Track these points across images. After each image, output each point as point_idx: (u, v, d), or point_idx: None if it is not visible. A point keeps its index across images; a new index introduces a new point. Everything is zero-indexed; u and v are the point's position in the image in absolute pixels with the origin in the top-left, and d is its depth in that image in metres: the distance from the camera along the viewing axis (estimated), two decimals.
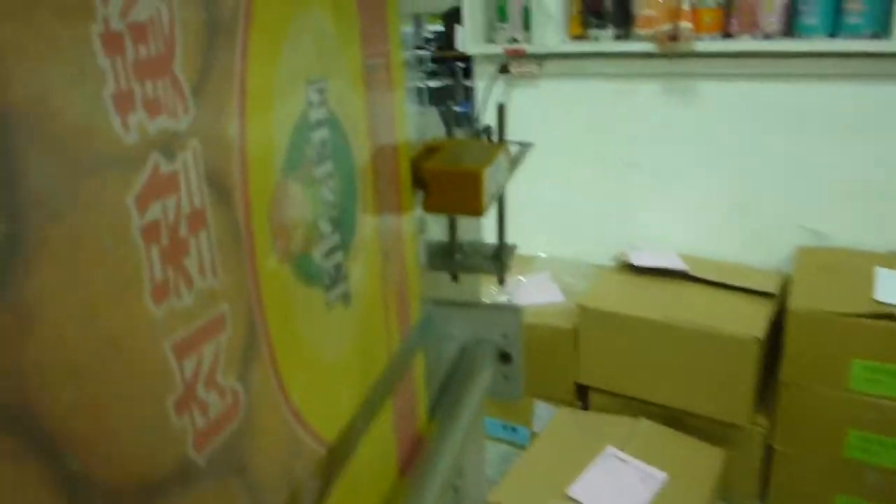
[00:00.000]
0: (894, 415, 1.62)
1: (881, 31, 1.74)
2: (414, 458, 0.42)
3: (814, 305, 1.64)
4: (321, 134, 0.30)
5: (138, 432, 0.20)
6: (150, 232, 0.20)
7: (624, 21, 2.13)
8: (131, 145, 0.19)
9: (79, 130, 0.17)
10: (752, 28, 1.92)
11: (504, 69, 2.26)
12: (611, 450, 1.71)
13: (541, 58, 2.21)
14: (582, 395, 2.02)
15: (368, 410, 0.36)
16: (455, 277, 0.57)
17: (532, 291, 2.17)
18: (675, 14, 1.95)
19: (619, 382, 1.93)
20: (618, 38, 2.13)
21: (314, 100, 0.29)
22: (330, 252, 0.31)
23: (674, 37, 1.95)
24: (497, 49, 2.26)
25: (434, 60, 6.07)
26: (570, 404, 2.02)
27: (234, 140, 0.24)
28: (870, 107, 1.84)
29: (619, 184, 2.22)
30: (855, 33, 1.77)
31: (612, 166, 2.21)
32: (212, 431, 0.23)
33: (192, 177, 0.22)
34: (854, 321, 1.60)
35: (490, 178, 0.43)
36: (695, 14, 1.94)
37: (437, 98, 5.82)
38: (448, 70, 6.39)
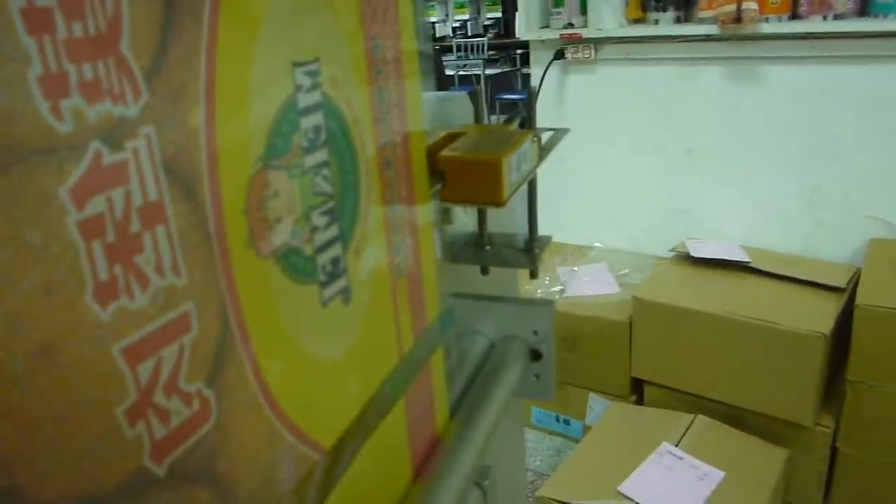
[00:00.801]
0: None
1: None
2: (430, 460, 0.41)
3: (884, 301, 1.56)
4: (313, 120, 0.28)
5: (80, 444, 0.19)
6: (92, 227, 0.18)
7: (685, 3, 2.06)
8: (65, 133, 0.17)
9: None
10: (823, 8, 1.83)
11: (560, 55, 2.21)
12: (666, 446, 1.67)
13: (597, 42, 2.16)
14: (637, 389, 1.98)
15: (375, 412, 0.34)
16: (485, 271, 0.54)
17: (587, 282, 2.13)
18: None
19: (675, 377, 1.88)
20: (678, 20, 2.07)
21: (304, 83, 0.27)
22: (325, 246, 0.30)
23: (738, 18, 1.88)
24: (553, 34, 2.21)
25: (492, 47, 6.04)
26: (625, 398, 1.98)
27: (200, 127, 0.22)
28: None
29: (678, 172, 2.15)
30: None
31: (672, 154, 2.14)
32: (174, 440, 0.22)
33: (145, 167, 0.20)
34: None
35: (512, 167, 0.41)
36: None
37: (494, 85, 5.79)
38: (506, 57, 6.35)
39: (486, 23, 6.75)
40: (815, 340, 1.61)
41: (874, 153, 1.84)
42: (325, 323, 0.30)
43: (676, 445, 1.66)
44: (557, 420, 2.14)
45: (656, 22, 2.08)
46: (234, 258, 0.24)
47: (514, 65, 6.28)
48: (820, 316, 1.67)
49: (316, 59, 0.28)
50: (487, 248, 0.54)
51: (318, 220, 0.29)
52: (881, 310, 1.55)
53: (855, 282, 1.75)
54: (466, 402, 0.45)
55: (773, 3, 1.88)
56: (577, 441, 2.01)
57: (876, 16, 1.78)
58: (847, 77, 1.84)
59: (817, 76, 1.88)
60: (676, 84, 2.08)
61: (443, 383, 0.43)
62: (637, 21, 2.13)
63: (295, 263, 0.28)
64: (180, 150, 0.21)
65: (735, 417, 1.77)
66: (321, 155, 0.29)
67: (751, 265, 1.90)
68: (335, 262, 0.30)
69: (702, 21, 1.98)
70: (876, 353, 1.58)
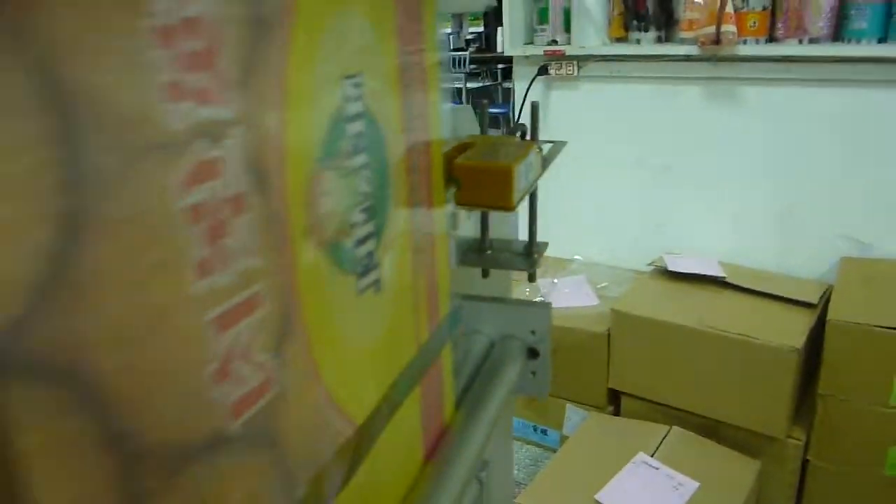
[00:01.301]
0: None
1: None
2: (439, 446, 0.44)
3: (854, 317, 1.61)
4: (356, 127, 0.31)
5: (179, 398, 0.22)
6: (194, 213, 0.21)
7: (666, 23, 2.12)
8: (178, 132, 0.20)
9: (132, 117, 0.19)
10: (799, 32, 1.89)
11: (543, 70, 2.26)
12: (642, 456, 1.70)
13: (580, 59, 2.21)
14: (614, 401, 2.02)
15: (395, 397, 0.37)
16: (485, 273, 0.58)
17: (566, 294, 2.17)
18: (718, 17, 1.93)
19: (651, 389, 1.92)
20: (659, 40, 2.12)
21: (350, 94, 0.30)
22: (362, 241, 0.33)
23: (717, 40, 1.93)
24: (537, 50, 2.26)
25: (473, 61, 6.10)
26: (602, 409, 2.02)
27: (275, 130, 0.25)
28: None
29: (657, 188, 2.20)
30: None
31: (652, 171, 2.20)
32: (245, 404, 0.25)
33: (233, 164, 0.23)
34: None
35: (521, 175, 0.44)
36: (739, 17, 1.93)
37: (475, 98, 5.85)
38: (487, 71, 6.41)
39: (468, 37, 6.81)
40: (789, 354, 1.66)
41: (846, 174, 1.91)
42: (359, 310, 0.33)
43: (652, 456, 1.69)
44: (535, 430, 2.17)
45: (638, 41, 2.14)
46: (295, 247, 0.27)
47: (495, 79, 6.35)
48: (793, 331, 1.71)
49: (360, 73, 0.31)
50: (489, 252, 0.57)
51: (358, 217, 0.32)
52: (852, 325, 1.60)
53: (826, 298, 1.81)
54: (470, 395, 0.48)
55: (751, 26, 1.94)
56: (554, 451, 2.04)
57: (849, 41, 1.84)
58: (821, 99, 1.90)
59: (793, 98, 1.94)
60: (657, 102, 2.13)
61: (450, 376, 0.46)
62: (619, 40, 2.18)
63: (339, 254, 0.31)
64: (260, 150, 0.24)
65: (710, 429, 1.81)
66: (362, 159, 0.32)
67: (727, 280, 1.95)
68: (370, 255, 0.33)
69: (682, 42, 2.04)
70: (846, 367, 1.63)
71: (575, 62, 2.21)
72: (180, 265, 0.21)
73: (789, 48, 1.90)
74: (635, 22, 2.14)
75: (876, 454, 1.65)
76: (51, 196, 0.16)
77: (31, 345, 0.16)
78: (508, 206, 0.44)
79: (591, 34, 2.18)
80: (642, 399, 1.94)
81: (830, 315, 1.64)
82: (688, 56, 2.02)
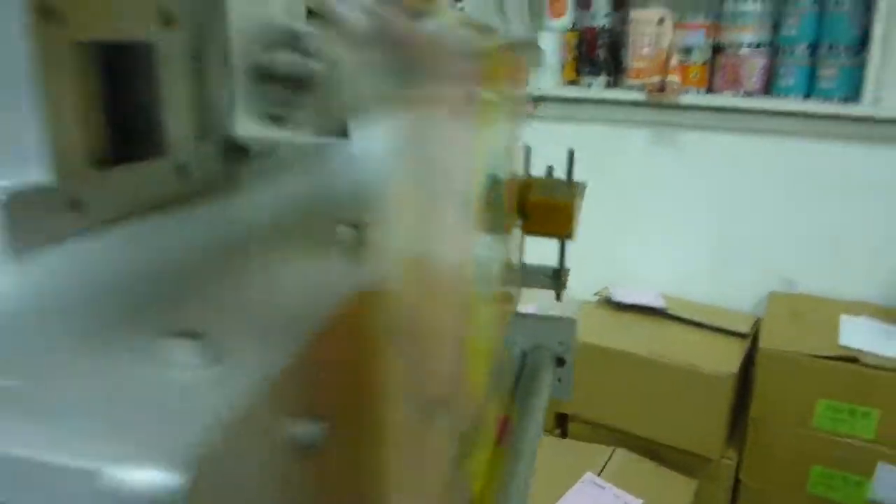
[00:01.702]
0: (856, 453, 1.71)
1: (852, 96, 1.89)
2: (503, 433, 0.51)
3: (782, 346, 1.74)
4: (492, 172, 0.39)
5: (432, 368, 0.29)
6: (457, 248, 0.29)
7: (616, 70, 2.26)
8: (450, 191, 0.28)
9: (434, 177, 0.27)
10: (735, 85, 2.06)
11: None
12: (589, 476, 1.78)
13: (535, 100, 2.32)
14: (561, 424, 2.09)
15: (492, 385, 0.45)
16: None
17: None
18: (663, 68, 2.08)
19: (597, 412, 1.99)
20: (609, 85, 2.26)
21: (492, 145, 0.39)
22: (489, 262, 0.41)
23: (662, 88, 2.08)
24: None
25: None
26: (549, 432, 2.08)
27: (475, 183, 0.33)
28: (839, 165, 1.98)
29: (605, 225, 2.31)
30: (828, 97, 1.92)
31: (601, 207, 2.30)
32: (447, 379, 0.32)
33: (465, 214, 0.31)
34: (820, 363, 1.70)
35: (577, 209, 0.53)
36: (682, 69, 2.08)
37: None
38: None
39: None
40: (724, 380, 1.77)
41: (776, 216, 2.07)
42: (481, 315, 0.41)
43: (599, 476, 1.78)
44: None
45: (589, 85, 2.28)
46: (470, 269, 0.35)
47: None
48: (727, 359, 1.83)
49: (497, 128, 0.39)
50: (523, 274, 0.66)
51: (487, 241, 0.40)
52: (780, 353, 1.74)
53: (756, 329, 1.95)
54: (518, 394, 0.56)
55: (693, 77, 2.10)
56: None
57: (778, 96, 2.02)
58: (754, 147, 2.07)
59: (728, 145, 2.10)
60: (607, 144, 2.26)
61: (511, 376, 0.54)
62: (572, 83, 2.31)
63: (481, 271, 0.38)
64: (470, 198, 0.32)
65: (651, 450, 1.90)
66: (493, 197, 0.40)
67: (667, 311, 2.07)
68: (491, 275, 0.41)
69: (630, 88, 2.18)
70: (775, 393, 1.76)
71: (530, 101, 2.33)
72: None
73: (725, 99, 2.07)
74: (587, 67, 2.28)
75: (800, 474, 1.78)
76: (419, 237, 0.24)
77: (395, 319, 0.23)
78: (570, 235, 0.52)
79: (547, 76, 2.30)
80: (588, 422, 2.02)
81: (761, 344, 1.77)
82: (635, 102, 2.16)
